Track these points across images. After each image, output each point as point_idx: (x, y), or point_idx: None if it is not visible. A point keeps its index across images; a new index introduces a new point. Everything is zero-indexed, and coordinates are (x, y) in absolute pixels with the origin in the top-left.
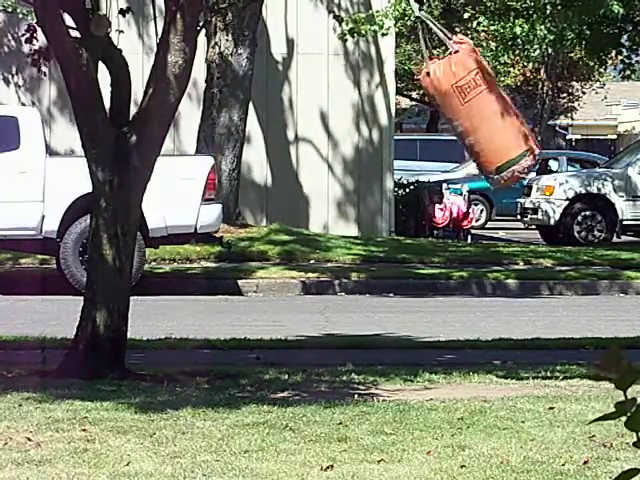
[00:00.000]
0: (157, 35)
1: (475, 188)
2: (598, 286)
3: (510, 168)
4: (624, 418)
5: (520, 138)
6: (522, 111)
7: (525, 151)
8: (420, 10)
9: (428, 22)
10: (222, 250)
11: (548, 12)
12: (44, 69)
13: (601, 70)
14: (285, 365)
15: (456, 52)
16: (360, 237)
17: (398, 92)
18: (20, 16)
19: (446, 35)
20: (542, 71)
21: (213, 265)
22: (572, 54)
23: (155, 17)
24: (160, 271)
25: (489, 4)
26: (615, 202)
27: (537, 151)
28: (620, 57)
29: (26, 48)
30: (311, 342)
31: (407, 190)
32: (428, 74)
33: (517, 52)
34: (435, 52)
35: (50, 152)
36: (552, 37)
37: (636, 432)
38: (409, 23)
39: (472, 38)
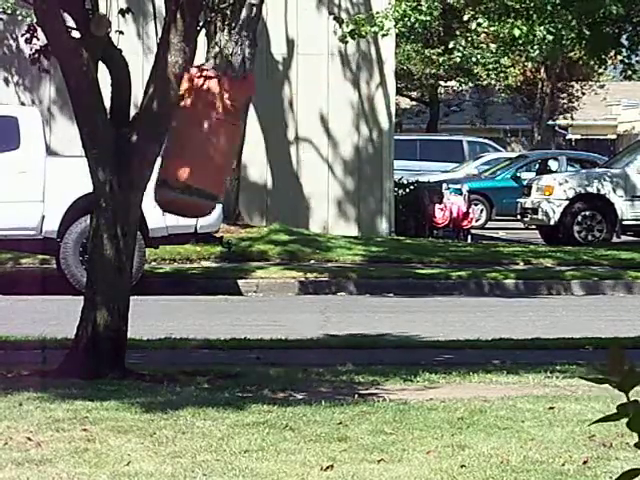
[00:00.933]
0: (157, 35)
1: (475, 188)
2: (598, 286)
3: (193, 197)
4: (625, 419)
5: (222, 185)
6: (522, 111)
7: (218, 198)
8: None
9: None
10: (222, 250)
11: (548, 12)
12: (45, 67)
13: (600, 70)
14: (285, 365)
15: (244, 77)
16: (360, 237)
17: (398, 92)
18: (20, 18)
19: None
20: (542, 71)
21: (213, 265)
22: (572, 54)
23: (155, 17)
24: (160, 271)
25: (489, 5)
26: (615, 202)
27: (217, 211)
28: (620, 57)
29: (26, 48)
30: (311, 342)
31: (407, 190)
32: (200, 69)
33: (517, 53)
34: (433, 51)
35: (50, 152)
36: (551, 37)
37: (638, 433)
38: (409, 23)
39: (472, 39)
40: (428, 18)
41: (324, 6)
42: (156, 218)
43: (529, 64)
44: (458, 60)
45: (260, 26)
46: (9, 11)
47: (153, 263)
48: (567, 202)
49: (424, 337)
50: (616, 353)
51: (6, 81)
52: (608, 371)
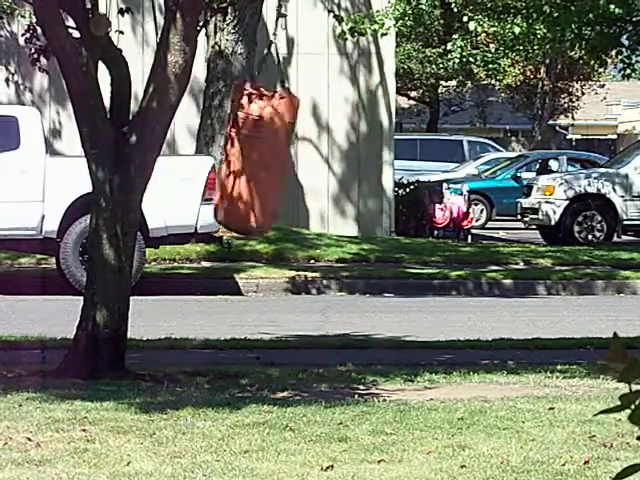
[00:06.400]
0: (157, 35)
1: (475, 188)
2: (598, 286)
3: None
4: (625, 416)
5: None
6: (522, 111)
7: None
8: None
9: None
10: (222, 250)
11: (547, 12)
12: (44, 68)
13: (600, 71)
14: (285, 365)
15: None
16: (360, 237)
17: (398, 92)
18: (19, 19)
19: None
20: (542, 71)
21: (212, 265)
22: (572, 53)
23: (155, 17)
24: (160, 271)
25: (489, 4)
26: (615, 202)
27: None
28: (620, 57)
29: (26, 47)
30: (311, 342)
31: (407, 190)
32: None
33: (517, 53)
34: (434, 51)
35: (50, 152)
36: (551, 36)
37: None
38: (409, 23)
39: (471, 40)
40: (426, 18)
41: (324, 5)
42: (156, 218)
43: (529, 63)
44: (457, 61)
45: (260, 26)
46: (9, 11)
47: (153, 263)
48: (567, 202)
49: (424, 337)
50: (617, 345)
51: (5, 80)
52: (610, 362)
